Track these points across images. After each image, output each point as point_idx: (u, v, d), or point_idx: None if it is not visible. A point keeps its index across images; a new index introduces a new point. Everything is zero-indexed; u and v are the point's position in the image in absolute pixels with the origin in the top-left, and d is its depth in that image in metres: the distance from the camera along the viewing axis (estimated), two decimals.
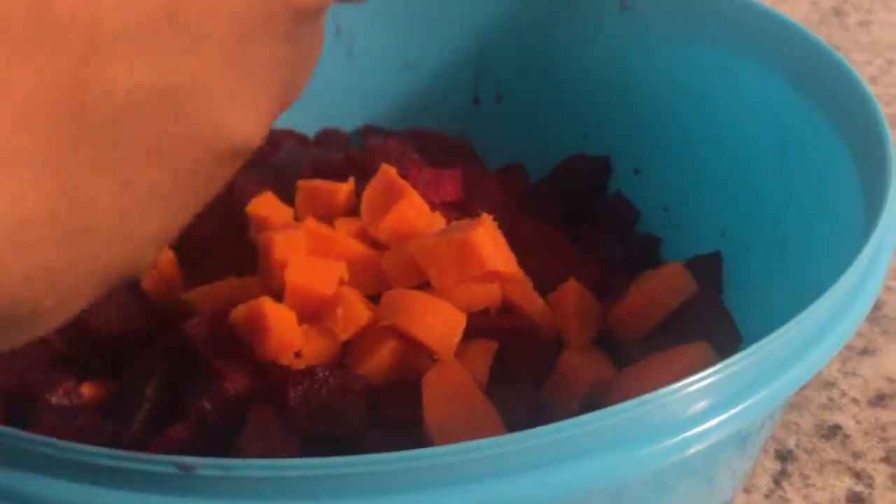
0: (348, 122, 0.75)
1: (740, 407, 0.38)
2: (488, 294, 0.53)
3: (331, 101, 0.75)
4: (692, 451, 0.37)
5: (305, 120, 0.74)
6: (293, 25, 0.31)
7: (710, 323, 0.54)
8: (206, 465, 0.31)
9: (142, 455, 0.32)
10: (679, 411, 0.36)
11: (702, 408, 0.37)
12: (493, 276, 0.52)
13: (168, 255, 0.57)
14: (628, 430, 0.35)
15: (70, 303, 0.29)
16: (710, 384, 0.37)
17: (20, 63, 0.23)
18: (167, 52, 0.26)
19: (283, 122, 0.73)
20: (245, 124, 0.30)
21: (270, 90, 0.31)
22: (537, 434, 0.34)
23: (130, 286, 0.58)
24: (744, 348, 0.54)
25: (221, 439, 0.49)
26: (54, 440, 0.33)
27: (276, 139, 0.71)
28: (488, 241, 0.51)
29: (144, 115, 0.27)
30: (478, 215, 0.55)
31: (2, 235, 0.24)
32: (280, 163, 0.64)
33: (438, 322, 0.50)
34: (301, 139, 0.72)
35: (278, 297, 0.52)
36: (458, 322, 0.50)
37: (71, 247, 0.27)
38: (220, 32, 0.28)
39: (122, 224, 0.28)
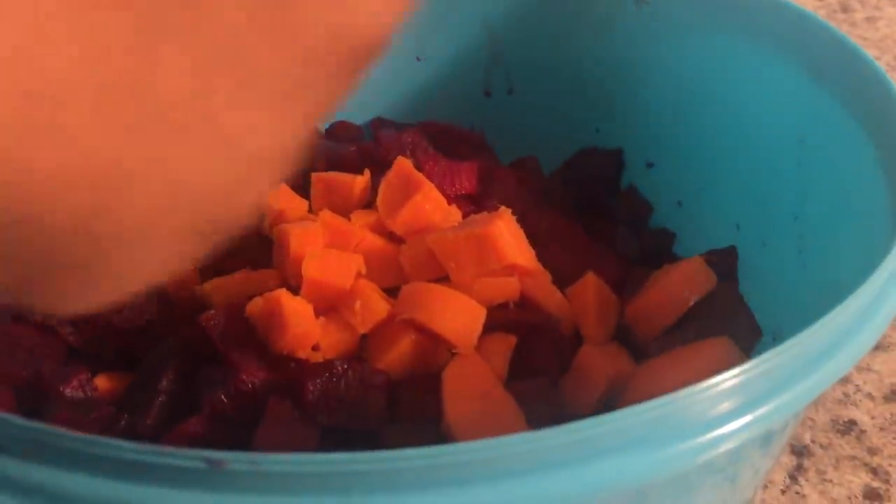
0: (359, 116, 0.74)
1: (767, 407, 0.37)
2: (507, 288, 0.52)
3: None
4: (718, 451, 0.36)
5: None
6: None
7: (729, 317, 0.53)
8: (236, 460, 0.30)
9: (168, 449, 0.31)
10: (705, 411, 0.36)
11: (728, 408, 0.36)
12: (512, 269, 0.51)
13: None
14: (653, 429, 0.35)
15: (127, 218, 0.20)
16: (737, 384, 0.36)
17: None
18: None
19: None
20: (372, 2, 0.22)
21: None
22: (562, 432, 0.33)
23: None
24: (762, 344, 0.54)
25: (238, 433, 0.48)
26: (76, 433, 0.33)
27: None
28: (507, 235, 0.51)
29: None
30: (494, 208, 0.54)
31: None
32: None
33: (458, 316, 0.49)
34: (313, 131, 0.71)
35: (294, 290, 0.52)
36: (479, 316, 0.50)
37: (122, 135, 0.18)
38: None
39: (201, 121, 0.19)
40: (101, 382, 0.53)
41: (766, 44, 0.59)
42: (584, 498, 0.34)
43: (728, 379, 0.36)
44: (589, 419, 0.34)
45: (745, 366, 0.36)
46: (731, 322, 0.53)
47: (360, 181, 0.58)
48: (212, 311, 0.52)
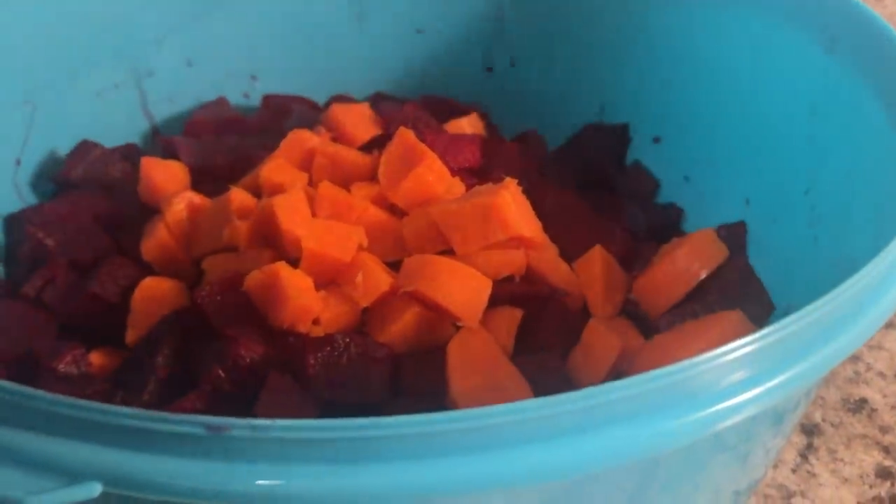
0: (359, 90, 0.73)
1: (779, 379, 0.36)
2: (512, 260, 0.51)
3: (340, 68, 0.73)
4: (726, 424, 0.35)
5: (315, 87, 0.72)
6: None
7: (740, 291, 0.52)
8: (238, 426, 0.29)
9: (167, 415, 0.30)
10: (717, 380, 0.34)
11: (741, 377, 0.35)
12: (518, 241, 0.50)
13: (164, 226, 0.56)
14: (661, 398, 0.33)
15: None
16: (747, 353, 0.35)
17: None
18: None
19: (293, 89, 0.71)
20: None
21: None
22: (568, 399, 0.32)
23: (133, 255, 0.57)
24: (774, 320, 0.53)
25: (237, 409, 0.47)
26: (73, 399, 0.31)
27: (286, 105, 0.69)
28: (513, 205, 0.49)
29: None
30: (499, 179, 0.53)
31: None
32: (291, 129, 0.62)
33: (463, 288, 0.48)
34: (311, 105, 0.70)
35: (293, 263, 0.50)
36: (484, 288, 0.48)
37: None
38: None
39: None
40: (96, 359, 0.52)
41: (777, 14, 0.58)
42: (593, 466, 0.33)
43: (740, 347, 0.34)
44: (597, 387, 0.33)
45: (758, 334, 0.35)
46: (742, 296, 0.52)
47: (361, 153, 0.57)
48: (206, 287, 0.50)
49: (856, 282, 0.38)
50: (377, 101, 0.71)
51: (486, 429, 0.32)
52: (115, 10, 0.66)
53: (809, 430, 0.58)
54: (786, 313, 0.53)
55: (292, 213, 0.52)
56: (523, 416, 0.32)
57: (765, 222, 0.58)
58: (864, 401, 0.60)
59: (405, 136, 0.55)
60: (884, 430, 0.58)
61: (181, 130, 0.69)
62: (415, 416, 0.30)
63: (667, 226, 0.63)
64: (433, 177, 0.54)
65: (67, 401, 0.31)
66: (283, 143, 0.58)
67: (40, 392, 0.31)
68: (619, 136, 0.67)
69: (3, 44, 0.61)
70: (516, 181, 0.51)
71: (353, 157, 0.57)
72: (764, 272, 0.56)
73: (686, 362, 0.34)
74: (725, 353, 0.34)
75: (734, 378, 0.35)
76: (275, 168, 0.57)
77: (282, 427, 0.29)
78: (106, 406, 0.30)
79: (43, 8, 0.63)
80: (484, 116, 0.69)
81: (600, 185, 0.65)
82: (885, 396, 0.60)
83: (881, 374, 0.61)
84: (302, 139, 0.58)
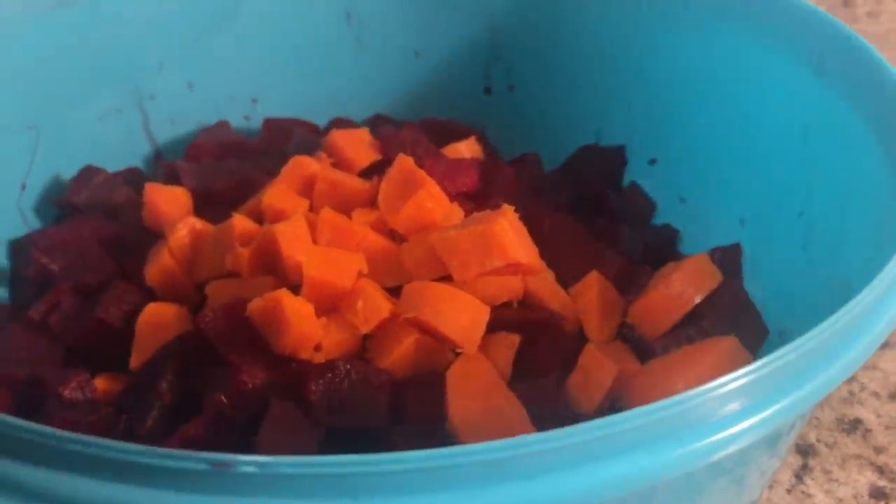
0: (358, 112, 0.74)
1: (774, 408, 0.36)
2: (510, 286, 0.52)
3: (340, 91, 0.74)
4: (727, 452, 0.35)
5: (315, 109, 0.73)
6: None
7: (734, 315, 0.53)
8: (242, 463, 0.30)
9: (172, 451, 0.31)
10: (714, 412, 0.35)
11: (736, 408, 0.36)
12: (516, 267, 0.51)
13: (167, 251, 0.56)
14: (661, 430, 0.34)
15: None
16: (745, 384, 0.35)
17: None
18: None
19: (294, 112, 0.72)
20: None
21: None
22: (568, 433, 0.33)
23: (137, 280, 0.57)
24: (769, 342, 0.54)
25: (239, 435, 0.48)
26: (77, 435, 0.32)
27: (287, 128, 0.70)
28: (511, 232, 0.50)
29: None
30: (496, 206, 0.54)
31: None
32: (293, 152, 0.62)
33: (462, 315, 0.49)
34: (312, 128, 0.71)
35: (294, 289, 0.51)
36: (482, 314, 0.49)
37: None
38: None
39: None
40: (101, 383, 0.53)
41: (769, 38, 0.59)
42: (593, 499, 0.34)
43: (736, 379, 0.35)
44: (597, 420, 0.33)
45: (753, 366, 0.36)
46: (736, 320, 0.52)
47: (362, 179, 0.58)
48: (209, 312, 0.51)
49: (851, 308, 0.38)
50: (376, 123, 0.71)
51: (488, 463, 0.32)
52: (117, 35, 0.67)
53: (804, 450, 0.59)
54: (780, 335, 0.54)
55: (294, 240, 0.52)
56: (526, 451, 0.33)
57: (759, 243, 0.59)
58: (858, 421, 0.60)
59: (404, 162, 0.56)
60: (878, 450, 0.59)
61: (183, 152, 0.69)
62: (417, 452, 0.31)
63: (662, 247, 0.63)
64: (432, 203, 0.54)
65: (71, 436, 0.31)
66: (285, 170, 0.59)
67: (45, 427, 0.32)
68: (616, 157, 0.68)
69: (7, 70, 0.62)
70: (513, 207, 0.52)
71: (354, 184, 0.58)
72: (758, 293, 0.56)
73: (683, 395, 0.34)
74: (722, 385, 0.35)
75: (731, 409, 0.36)
76: (277, 194, 0.58)
77: (286, 464, 0.30)
78: (110, 442, 0.31)
79: (45, 34, 0.64)
80: (482, 139, 0.70)
81: (597, 207, 0.66)
82: (879, 417, 0.61)
83: (875, 395, 0.62)
84: (303, 165, 0.59)
